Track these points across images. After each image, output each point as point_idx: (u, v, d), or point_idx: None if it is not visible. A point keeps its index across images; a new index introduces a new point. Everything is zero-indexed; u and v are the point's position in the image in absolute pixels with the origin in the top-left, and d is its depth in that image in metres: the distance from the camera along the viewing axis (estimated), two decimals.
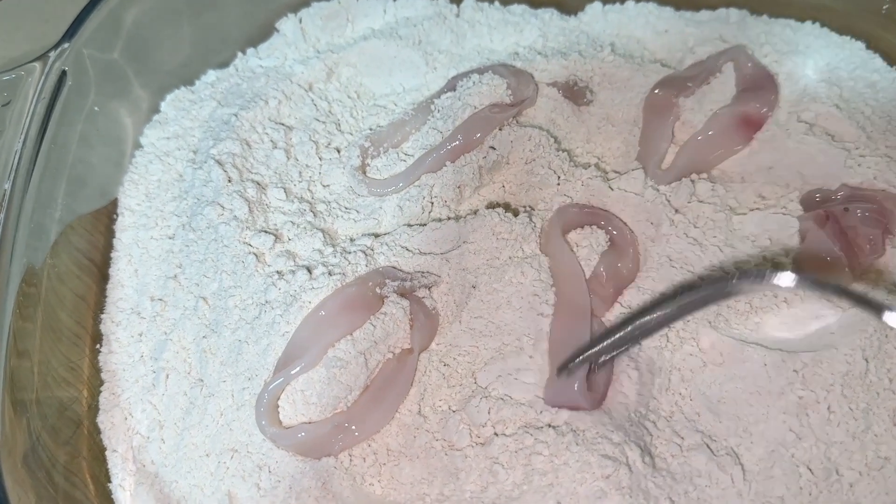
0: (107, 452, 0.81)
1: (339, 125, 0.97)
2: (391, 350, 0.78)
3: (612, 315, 0.80)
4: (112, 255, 0.92)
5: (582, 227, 0.84)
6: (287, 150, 0.94)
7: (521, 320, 0.78)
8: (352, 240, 0.87)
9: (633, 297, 0.80)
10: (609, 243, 0.83)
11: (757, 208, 0.85)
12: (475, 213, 0.85)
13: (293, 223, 0.87)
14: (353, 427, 0.74)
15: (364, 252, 0.83)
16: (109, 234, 0.93)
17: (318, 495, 0.73)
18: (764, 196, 0.86)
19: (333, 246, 0.85)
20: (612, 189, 0.86)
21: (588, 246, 0.82)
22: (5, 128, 0.83)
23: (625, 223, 0.84)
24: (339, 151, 0.95)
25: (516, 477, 0.71)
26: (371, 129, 0.96)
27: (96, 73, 0.92)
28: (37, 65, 0.87)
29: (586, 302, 0.78)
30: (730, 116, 0.89)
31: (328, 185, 0.93)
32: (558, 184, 0.87)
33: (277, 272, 0.82)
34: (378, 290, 0.79)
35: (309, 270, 0.82)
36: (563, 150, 0.90)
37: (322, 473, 0.73)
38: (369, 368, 0.76)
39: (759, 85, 0.92)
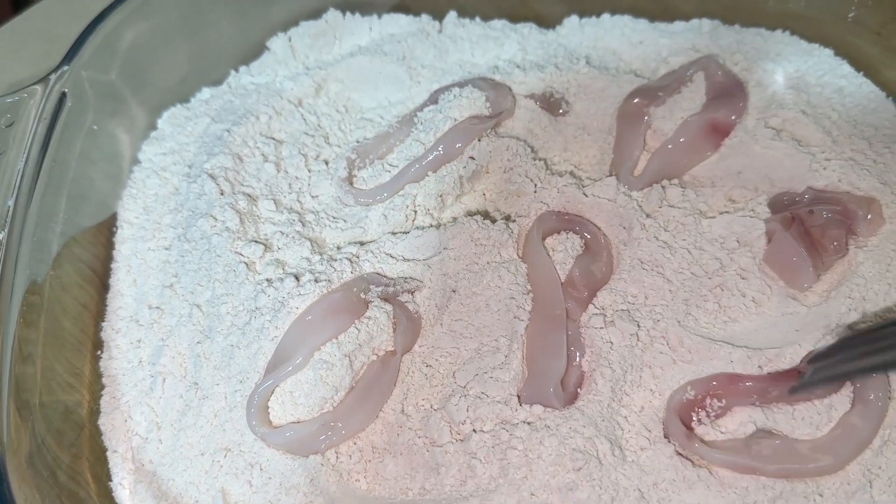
0: (108, 453, 0.84)
1: (328, 138, 1.01)
2: (375, 352, 0.81)
3: (586, 317, 0.83)
4: (112, 265, 0.96)
5: (558, 233, 0.88)
6: (277, 164, 0.98)
7: (499, 322, 0.82)
8: (338, 248, 0.91)
9: (606, 299, 0.84)
10: (584, 247, 0.86)
11: (727, 211, 0.88)
12: (455, 220, 0.89)
13: (282, 233, 0.91)
14: (340, 426, 0.78)
15: (349, 259, 0.87)
16: (110, 245, 0.97)
17: (306, 491, 0.76)
18: (733, 199, 0.89)
19: (321, 254, 0.89)
20: (586, 195, 0.89)
21: (563, 250, 0.86)
22: (8, 148, 0.87)
23: (599, 228, 0.88)
24: (327, 163, 0.99)
25: (493, 471, 0.75)
26: (358, 142, 0.99)
27: (95, 94, 0.96)
28: (38, 87, 0.91)
29: (562, 307, 0.81)
30: (699, 124, 0.92)
31: (316, 196, 0.96)
32: (535, 191, 0.90)
33: (267, 280, 0.86)
34: (362, 296, 0.82)
35: (296, 278, 0.85)
36: (540, 159, 0.93)
37: (310, 470, 0.77)
38: (354, 370, 0.79)
39: (729, 93, 0.95)
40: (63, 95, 0.91)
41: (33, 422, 0.79)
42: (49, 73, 0.92)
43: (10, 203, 0.83)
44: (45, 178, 0.87)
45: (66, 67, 0.92)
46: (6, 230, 0.81)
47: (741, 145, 0.93)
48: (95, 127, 0.96)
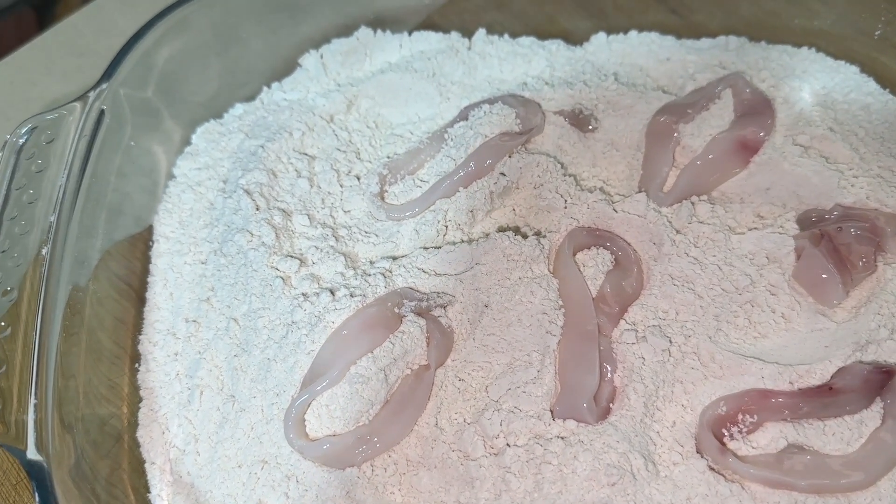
0: (146, 465, 0.86)
1: (359, 154, 1.03)
2: (409, 366, 0.82)
3: (618, 332, 0.84)
4: (149, 279, 0.98)
5: (589, 248, 0.89)
6: (310, 179, 0.99)
7: (531, 337, 0.82)
8: (371, 262, 0.92)
9: (637, 314, 0.85)
10: (614, 263, 0.87)
11: (755, 228, 0.89)
12: (487, 236, 0.90)
13: (317, 248, 0.92)
14: (375, 439, 0.79)
15: (383, 274, 0.88)
16: (145, 259, 0.99)
17: (342, 503, 0.78)
18: (762, 216, 0.90)
19: (354, 269, 0.90)
20: (616, 211, 0.90)
21: (594, 266, 0.87)
22: (49, 164, 0.89)
23: (629, 244, 0.89)
24: (359, 179, 1.00)
25: (527, 485, 0.75)
26: (389, 158, 1.01)
27: (132, 111, 0.98)
28: (77, 105, 0.93)
29: (594, 322, 0.82)
30: (728, 141, 0.93)
31: (349, 211, 0.98)
32: (565, 207, 0.91)
33: (303, 294, 0.87)
34: (396, 310, 0.84)
35: (332, 292, 0.87)
36: (570, 175, 0.94)
37: (346, 483, 0.78)
38: (389, 384, 0.81)
39: (757, 110, 0.96)
40: (102, 112, 0.93)
41: (75, 435, 0.80)
42: (87, 91, 0.93)
43: (53, 218, 0.85)
44: (85, 193, 0.89)
45: (104, 85, 0.94)
46: (49, 245, 0.83)
47: (769, 162, 0.93)
48: (132, 143, 0.98)
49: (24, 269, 0.84)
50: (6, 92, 1.25)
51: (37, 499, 0.72)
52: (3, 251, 0.84)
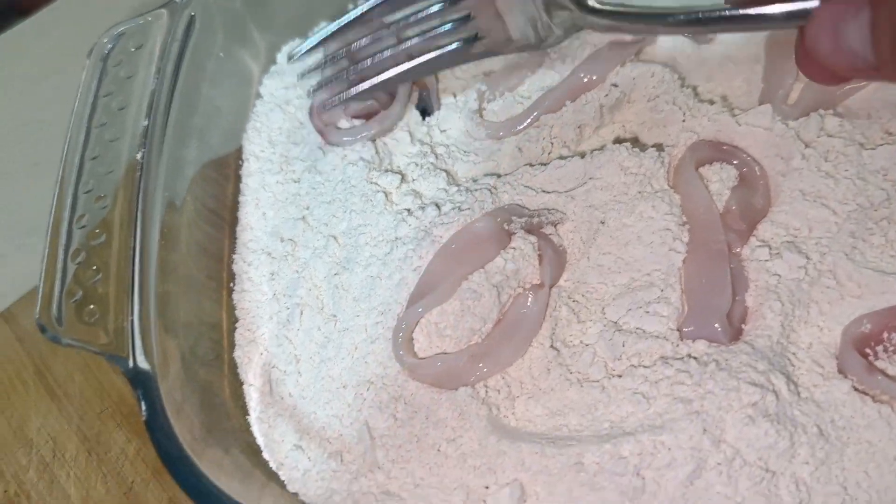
0: (244, 386, 0.82)
1: (454, 70, 0.97)
2: (521, 285, 0.77)
3: (748, 250, 0.78)
4: (240, 199, 0.93)
5: (711, 164, 0.83)
6: None
7: (652, 255, 0.77)
8: (474, 180, 0.87)
9: (767, 231, 0.79)
10: (739, 179, 0.81)
11: (885, 143, 0.82)
12: (601, 148, 0.85)
13: (417, 164, 0.87)
14: (489, 358, 0.74)
15: (489, 190, 0.83)
16: (235, 179, 0.94)
17: (454, 426, 0.73)
18: (891, 132, 0.83)
19: (457, 185, 0.86)
20: (739, 124, 0.84)
21: (719, 181, 0.81)
22: (137, 70, 0.84)
23: (755, 159, 0.83)
24: (455, 96, 0.95)
25: (658, 406, 0.70)
26: (486, 74, 0.95)
27: (221, 20, 0.93)
28: (164, 11, 0.88)
29: (722, 239, 0.76)
30: None
31: (445, 130, 0.92)
32: (683, 120, 0.85)
33: (406, 209, 0.83)
34: (506, 226, 0.78)
35: (438, 207, 0.82)
36: (688, 87, 0.88)
37: (458, 404, 0.73)
38: (501, 302, 0.76)
39: None
40: (192, 18, 0.88)
41: (175, 348, 0.76)
42: None
43: (146, 122, 0.80)
44: (178, 100, 0.84)
45: None
46: (145, 150, 0.78)
47: None
48: (222, 54, 0.93)
49: (117, 177, 0.79)
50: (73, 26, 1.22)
51: (143, 408, 0.67)
52: (94, 157, 0.79)
